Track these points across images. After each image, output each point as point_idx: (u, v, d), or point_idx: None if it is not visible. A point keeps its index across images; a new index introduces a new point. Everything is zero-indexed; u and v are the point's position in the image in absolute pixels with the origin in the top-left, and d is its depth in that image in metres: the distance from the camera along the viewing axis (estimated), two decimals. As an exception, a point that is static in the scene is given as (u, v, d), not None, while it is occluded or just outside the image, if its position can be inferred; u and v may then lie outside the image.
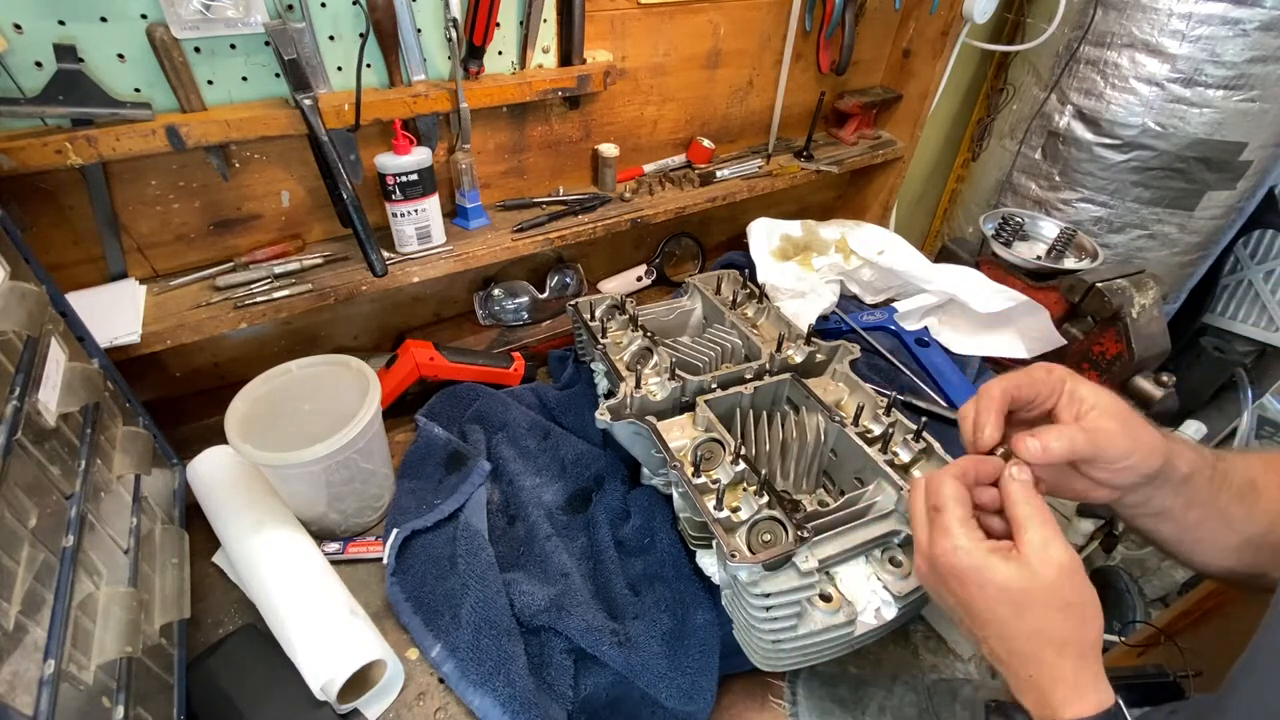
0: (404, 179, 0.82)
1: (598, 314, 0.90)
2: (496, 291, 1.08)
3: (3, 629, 0.39)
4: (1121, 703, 0.42)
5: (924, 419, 0.69)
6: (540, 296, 1.11)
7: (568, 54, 0.91)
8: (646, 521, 0.75)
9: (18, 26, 0.62)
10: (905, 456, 0.68)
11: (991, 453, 0.50)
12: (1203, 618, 1.11)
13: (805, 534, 0.58)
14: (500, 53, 0.87)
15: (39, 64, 0.64)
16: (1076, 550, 1.50)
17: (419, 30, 0.80)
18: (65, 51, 0.63)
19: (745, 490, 0.63)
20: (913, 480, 0.55)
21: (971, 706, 0.70)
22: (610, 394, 0.78)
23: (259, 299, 0.79)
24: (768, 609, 0.57)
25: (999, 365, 1.08)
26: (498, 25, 0.82)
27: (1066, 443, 0.46)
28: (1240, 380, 1.58)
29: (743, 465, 0.65)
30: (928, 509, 0.49)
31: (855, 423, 0.71)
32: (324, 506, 0.73)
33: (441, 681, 0.65)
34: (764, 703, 0.74)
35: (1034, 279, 1.08)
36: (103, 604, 0.51)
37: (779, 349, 0.81)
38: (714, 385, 0.76)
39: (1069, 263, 1.09)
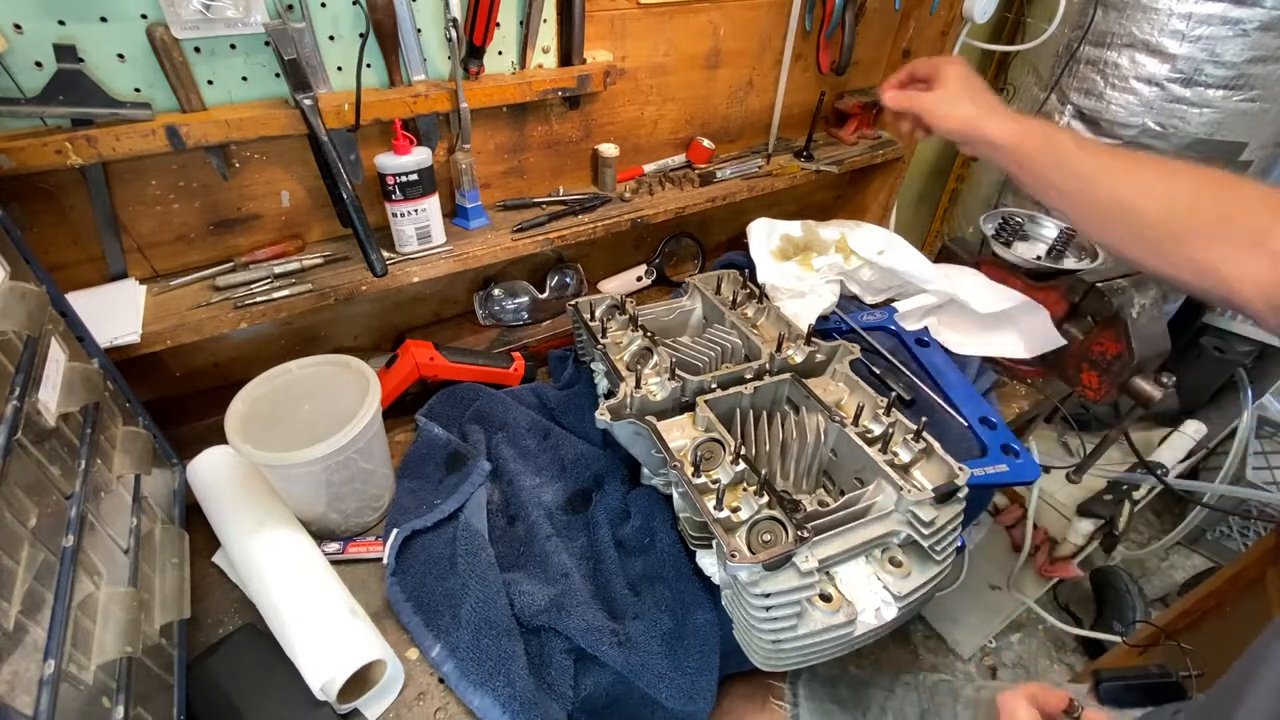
0: (404, 179, 0.82)
1: (598, 314, 0.90)
2: (496, 291, 1.08)
3: (3, 629, 0.39)
4: None
5: (924, 420, 0.69)
6: (540, 296, 1.11)
7: (568, 54, 0.91)
8: (646, 521, 0.75)
9: (18, 26, 0.61)
10: (905, 456, 0.68)
11: None
12: (1203, 617, 1.11)
13: (805, 534, 0.58)
14: (500, 53, 0.87)
15: (39, 64, 0.64)
16: (1077, 550, 1.50)
17: (419, 30, 0.80)
18: (65, 51, 0.63)
19: (745, 490, 0.63)
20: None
21: (973, 706, 0.70)
22: (610, 394, 0.78)
23: (259, 299, 0.79)
24: (768, 609, 0.57)
25: (999, 365, 1.08)
26: (498, 25, 0.82)
27: (904, 103, 0.78)
28: (1240, 380, 1.58)
29: (743, 465, 0.65)
30: None
31: (855, 423, 0.71)
32: (324, 506, 0.73)
33: (441, 681, 0.65)
34: (764, 704, 0.74)
35: (1034, 279, 1.08)
36: (103, 604, 0.51)
37: (779, 349, 0.81)
38: (714, 385, 0.76)
39: (1069, 263, 1.09)
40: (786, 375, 0.79)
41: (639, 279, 1.22)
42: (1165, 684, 0.61)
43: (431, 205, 0.86)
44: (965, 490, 0.64)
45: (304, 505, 0.73)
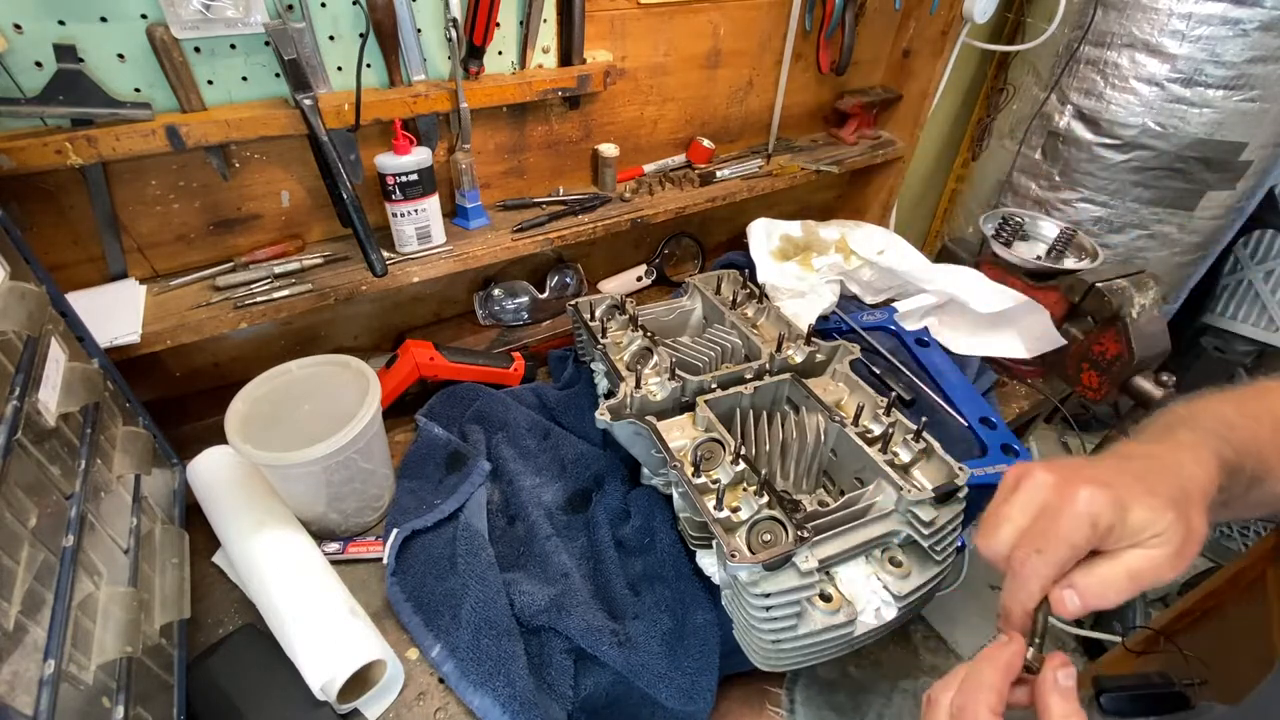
0: (404, 179, 0.82)
1: (598, 314, 0.90)
2: (496, 291, 1.08)
3: (3, 629, 0.39)
4: None
5: (924, 420, 0.69)
6: (540, 296, 1.11)
7: (568, 54, 0.91)
8: (646, 521, 0.75)
9: (18, 26, 0.62)
10: (905, 456, 0.68)
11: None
12: (1202, 617, 1.11)
13: (805, 534, 0.58)
14: (500, 53, 0.87)
15: (39, 64, 0.64)
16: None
17: (419, 30, 0.80)
18: (65, 51, 0.63)
19: (745, 490, 0.63)
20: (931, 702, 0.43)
21: None
22: (610, 394, 0.78)
23: (259, 299, 0.79)
24: (768, 609, 0.57)
25: (999, 365, 1.08)
26: (498, 25, 0.82)
27: (1113, 595, 0.40)
28: (1240, 380, 1.58)
29: (743, 465, 0.65)
30: None
31: (855, 423, 0.71)
32: (324, 506, 0.73)
33: (441, 681, 0.65)
34: (761, 709, 0.74)
35: (1034, 279, 1.08)
36: (103, 604, 0.51)
37: (779, 349, 0.81)
38: (714, 385, 0.76)
39: (1069, 263, 1.09)
40: (786, 375, 0.79)
41: (639, 279, 1.22)
42: (1168, 694, 0.61)
43: (431, 205, 0.86)
44: (965, 490, 0.64)
45: (304, 505, 0.73)
